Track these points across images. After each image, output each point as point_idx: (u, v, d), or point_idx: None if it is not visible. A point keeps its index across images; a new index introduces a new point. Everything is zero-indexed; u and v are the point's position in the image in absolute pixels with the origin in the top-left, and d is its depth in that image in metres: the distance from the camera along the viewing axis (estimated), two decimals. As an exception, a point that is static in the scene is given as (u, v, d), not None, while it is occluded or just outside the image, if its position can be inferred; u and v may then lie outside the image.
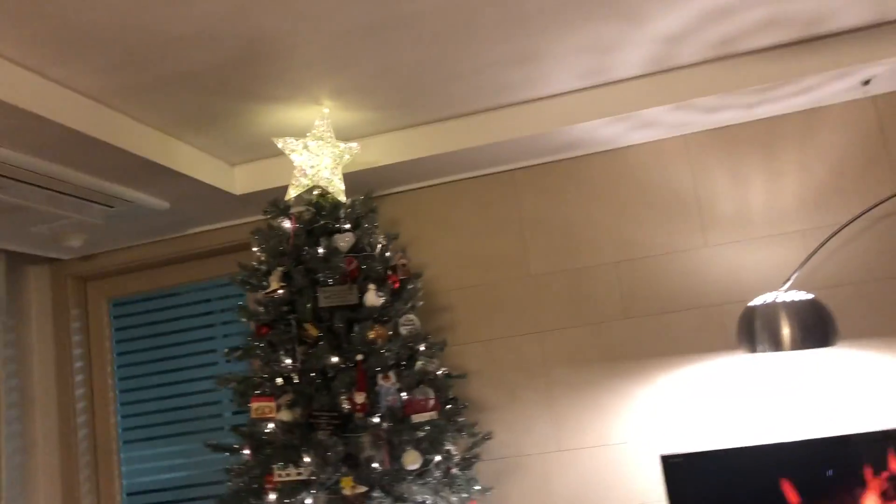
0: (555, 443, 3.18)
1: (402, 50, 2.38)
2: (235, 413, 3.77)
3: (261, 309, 2.50)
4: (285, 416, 2.38)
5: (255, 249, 2.70)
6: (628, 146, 3.26)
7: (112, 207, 3.02)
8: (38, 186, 2.64)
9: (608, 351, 3.18)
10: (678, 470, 2.76)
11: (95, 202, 2.91)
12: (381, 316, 2.48)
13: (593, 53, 2.59)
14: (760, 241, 3.08)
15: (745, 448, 2.76)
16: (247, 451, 2.49)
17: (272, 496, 2.32)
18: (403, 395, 2.41)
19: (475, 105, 2.91)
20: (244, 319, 2.58)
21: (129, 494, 3.77)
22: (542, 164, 3.34)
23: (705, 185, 3.17)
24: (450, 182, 3.43)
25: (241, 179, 3.21)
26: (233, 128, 2.80)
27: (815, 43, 2.73)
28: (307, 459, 2.33)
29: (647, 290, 3.17)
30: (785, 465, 2.71)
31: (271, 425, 2.43)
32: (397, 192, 3.45)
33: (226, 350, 2.68)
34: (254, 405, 2.41)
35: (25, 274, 3.79)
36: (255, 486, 2.37)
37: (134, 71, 2.28)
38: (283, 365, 2.40)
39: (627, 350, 3.16)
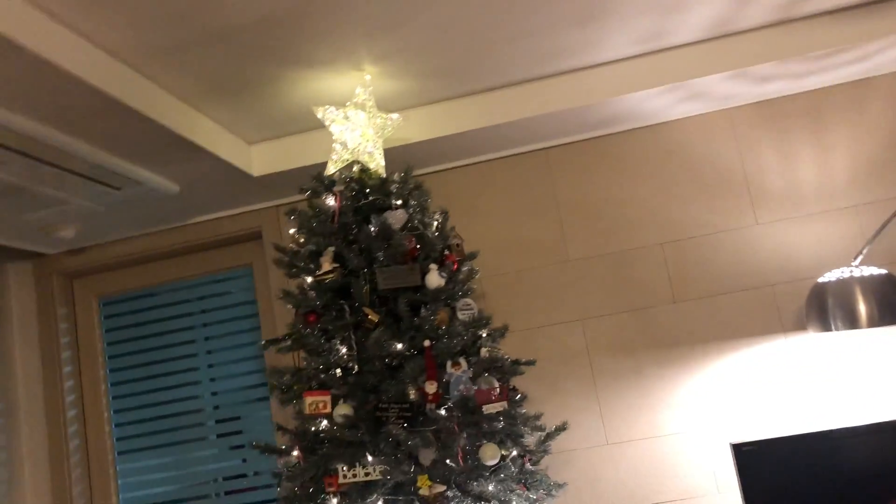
0: (602, 436, 2.99)
1: (464, 4, 2.16)
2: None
3: (311, 294, 2.24)
4: (344, 409, 2.13)
5: (292, 231, 2.44)
6: (670, 121, 3.10)
7: (119, 189, 2.71)
8: (45, 162, 2.33)
9: (656, 337, 3.00)
10: (751, 458, 2.60)
11: (103, 183, 2.61)
12: (447, 298, 2.25)
13: (659, 14, 2.42)
14: (812, 217, 2.95)
15: (821, 433, 2.62)
16: (295, 452, 2.23)
17: (334, 501, 2.06)
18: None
19: (524, 73, 2.70)
20: (289, 306, 2.32)
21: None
22: (578, 141, 3.15)
23: (753, 160, 3.03)
24: (480, 163, 3.21)
25: (258, 159, 2.94)
26: (262, 97, 2.54)
27: (879, 5, 2.61)
28: (370, 458, 2.08)
29: (696, 272, 3.01)
30: (863, 450, 2.57)
31: (325, 422, 2.17)
32: (424, 174, 3.22)
33: (263, 342, 2.41)
34: (307, 400, 2.14)
35: (5, 271, 3.43)
36: (311, 489, 2.11)
37: (166, 26, 2.01)
38: (341, 354, 2.15)
39: (677, 336, 2.99)
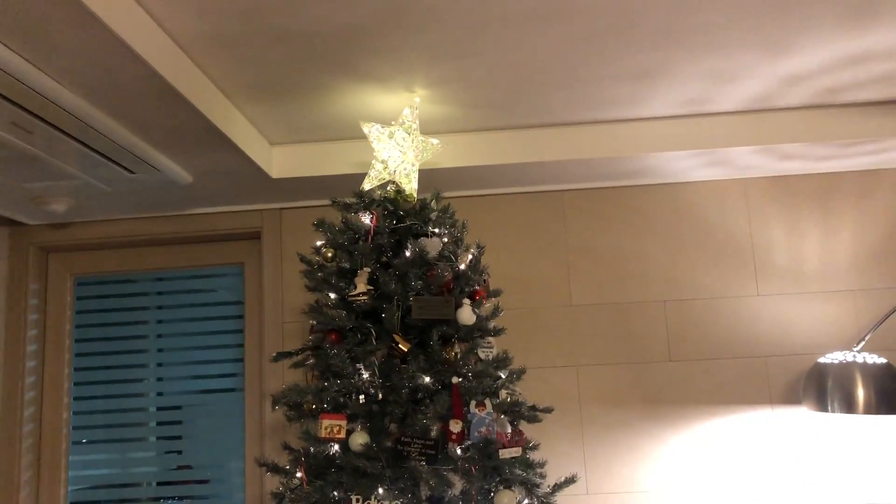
0: (583, 485, 2.99)
1: (532, 47, 2.14)
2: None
3: (337, 312, 2.17)
4: (363, 438, 2.06)
5: (319, 243, 2.36)
6: (686, 182, 3.15)
7: (133, 174, 2.59)
8: (74, 138, 2.20)
9: (648, 393, 3.03)
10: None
11: (122, 165, 2.48)
12: (480, 335, 2.21)
13: (710, 81, 2.45)
14: (811, 296, 3.03)
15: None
16: (299, 474, 2.15)
17: (342, 531, 2.00)
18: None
19: (565, 116, 2.70)
20: (312, 322, 2.24)
21: (73, 489, 3.26)
22: (594, 188, 3.17)
23: (761, 232, 3.10)
24: (494, 195, 3.19)
25: (278, 161, 2.85)
26: (304, 101, 2.46)
27: (906, 105, 2.71)
28: (381, 490, 2.02)
29: (694, 334, 3.05)
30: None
31: (336, 447, 2.10)
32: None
33: (273, 354, 2.32)
34: (324, 422, 2.07)
35: (-23, 236, 3.24)
36: (316, 516, 2.04)
37: (235, 20, 1.92)
38: (364, 380, 2.09)
39: (668, 394, 3.02)
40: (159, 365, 3.41)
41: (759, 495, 2.90)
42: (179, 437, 3.38)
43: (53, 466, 3.21)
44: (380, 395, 2.08)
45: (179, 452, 3.39)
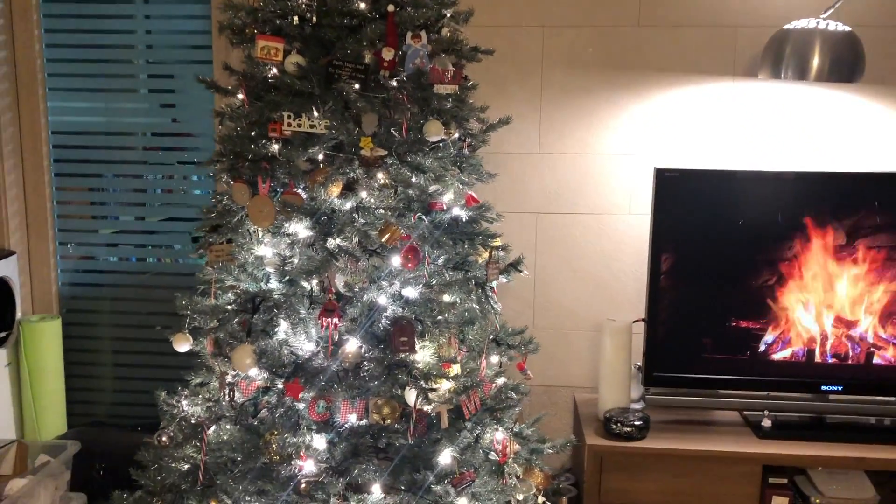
0: (536, 144, 3.09)
1: None
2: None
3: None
4: (297, 58, 2.09)
5: None
6: None
7: None
8: None
9: (611, 58, 3.00)
10: (671, 184, 2.75)
11: None
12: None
13: None
14: (800, -37, 2.88)
15: (743, 172, 2.79)
16: (241, 95, 2.22)
17: (275, 146, 2.11)
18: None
19: None
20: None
21: (54, 133, 3.42)
22: None
23: None
24: None
25: None
26: None
27: None
28: (316, 112, 2.10)
29: (667, -5, 2.96)
30: (777, 195, 2.76)
31: (274, 70, 2.15)
32: None
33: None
34: (260, 43, 2.08)
35: None
36: (254, 133, 2.14)
37: None
38: (300, 2, 2.07)
39: (631, 60, 3.00)
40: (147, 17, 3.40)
41: (711, 162, 2.98)
42: (172, 91, 3.46)
43: (31, 97, 3.31)
44: (314, 19, 2.08)
45: (172, 106, 3.49)
